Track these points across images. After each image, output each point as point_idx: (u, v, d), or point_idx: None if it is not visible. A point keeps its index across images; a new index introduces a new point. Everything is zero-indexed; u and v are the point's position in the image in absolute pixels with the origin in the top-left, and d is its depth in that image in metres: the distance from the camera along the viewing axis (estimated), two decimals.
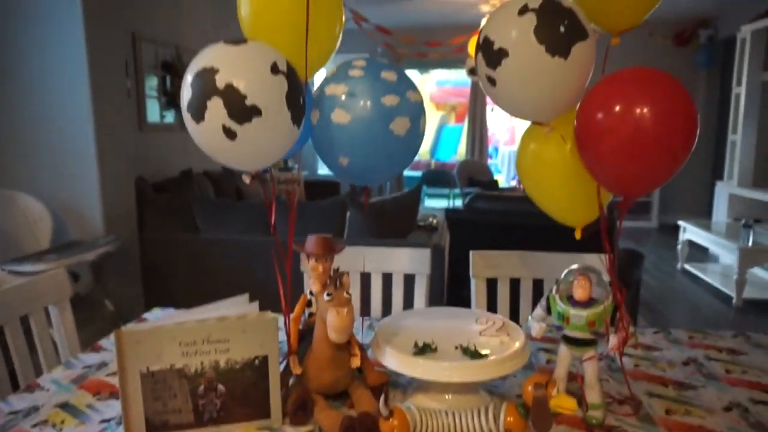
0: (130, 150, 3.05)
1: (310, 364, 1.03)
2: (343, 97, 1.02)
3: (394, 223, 2.91)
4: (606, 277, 1.03)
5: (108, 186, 2.84)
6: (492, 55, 0.97)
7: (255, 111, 0.89)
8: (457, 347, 0.99)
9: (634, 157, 0.94)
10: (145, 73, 4.21)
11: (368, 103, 1.01)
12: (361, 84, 1.03)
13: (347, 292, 0.98)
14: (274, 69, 0.92)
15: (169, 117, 4.65)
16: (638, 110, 0.92)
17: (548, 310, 1.05)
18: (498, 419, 0.89)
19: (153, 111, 4.39)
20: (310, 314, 1.07)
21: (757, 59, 4.78)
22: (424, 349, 0.98)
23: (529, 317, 1.07)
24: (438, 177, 8.09)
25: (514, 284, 1.60)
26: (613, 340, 0.99)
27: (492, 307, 1.58)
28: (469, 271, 1.60)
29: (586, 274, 1.01)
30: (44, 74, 2.72)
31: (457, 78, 11.22)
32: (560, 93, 1.00)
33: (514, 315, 1.55)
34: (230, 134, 0.90)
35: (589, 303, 1.00)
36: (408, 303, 1.63)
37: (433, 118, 11.85)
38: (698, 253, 5.17)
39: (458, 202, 8.02)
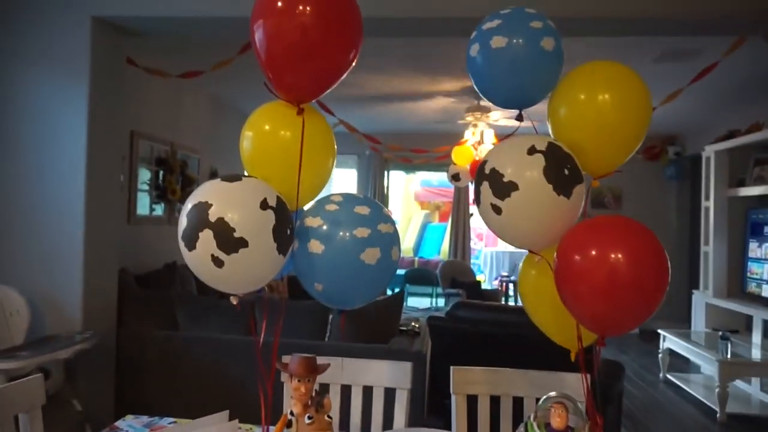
0: (116, 242, 3.08)
1: None
2: (319, 229, 1.09)
3: (377, 326, 2.91)
4: (582, 406, 1.05)
5: (91, 277, 2.82)
6: (501, 186, 1.08)
7: (242, 243, 0.96)
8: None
9: (610, 298, 1.00)
10: (139, 167, 4.34)
11: (340, 234, 1.08)
12: (335, 217, 1.10)
13: (328, 416, 0.99)
14: (264, 204, 1.01)
15: (159, 210, 4.73)
16: (613, 255, 1.00)
17: None
18: None
19: (143, 204, 4.48)
20: None
21: (722, 176, 5.09)
22: None
23: None
24: (421, 275, 8.15)
25: (495, 400, 1.60)
26: None
27: (473, 425, 1.57)
28: (450, 386, 1.60)
29: (562, 403, 1.03)
30: (41, 167, 2.79)
31: (441, 179, 11.68)
32: (559, 227, 1.10)
33: (494, 431, 1.54)
34: (218, 263, 0.96)
35: (566, 431, 1.01)
36: (388, 417, 1.61)
37: (417, 217, 12.13)
38: (679, 361, 5.16)
39: (441, 302, 8.01)
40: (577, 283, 1.04)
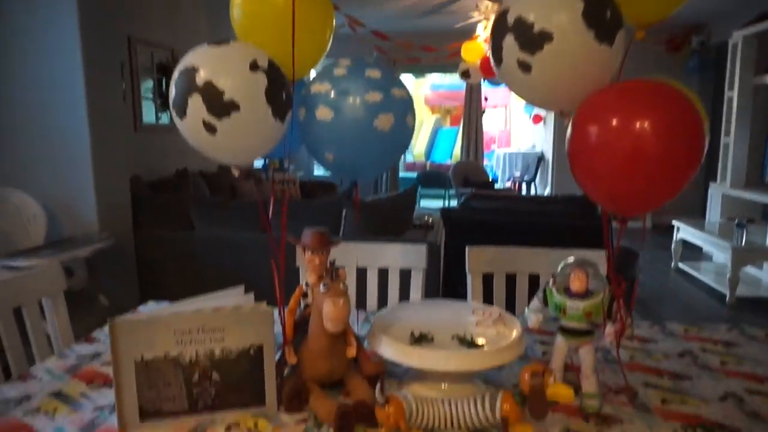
0: (125, 150, 3.05)
1: (305, 353, 1.02)
2: (327, 94, 1.02)
3: (390, 222, 2.91)
4: (603, 270, 1.03)
5: (102, 184, 2.83)
6: (531, 38, 0.90)
7: (233, 106, 0.90)
8: (453, 337, 0.99)
9: (634, 175, 0.92)
10: (141, 75, 4.20)
11: (351, 99, 1.01)
12: (345, 82, 1.03)
13: (343, 284, 0.98)
14: (254, 66, 0.94)
15: (165, 118, 4.64)
16: (639, 124, 0.89)
17: (545, 302, 1.05)
18: (494, 407, 0.89)
19: (149, 112, 4.39)
20: (306, 306, 1.07)
21: (749, 63, 4.82)
22: (420, 339, 0.98)
23: (526, 309, 1.07)
24: (433, 178, 8.10)
25: (510, 280, 1.61)
26: (609, 329, 0.99)
27: (488, 301, 1.58)
28: (465, 268, 1.60)
29: (582, 267, 1.01)
30: (40, 74, 2.71)
31: (452, 82, 11.27)
32: (598, 81, 0.95)
33: (510, 309, 1.55)
34: (210, 129, 0.91)
35: (585, 294, 1.00)
36: (404, 297, 1.63)
37: (428, 122, 11.88)
38: (692, 252, 5.19)
39: (453, 203, 8.03)
40: (594, 156, 0.95)
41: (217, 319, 0.96)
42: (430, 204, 8.42)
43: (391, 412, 0.88)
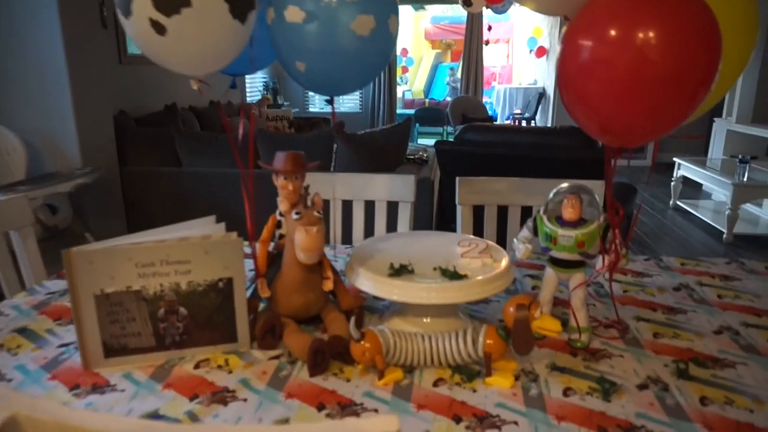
0: (109, 82, 2.91)
1: (279, 287, 0.97)
2: None
3: (383, 156, 2.82)
4: (599, 198, 0.95)
5: (84, 118, 2.71)
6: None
7: (183, 1, 0.78)
8: (435, 269, 0.93)
9: (634, 99, 0.81)
10: None
11: None
12: None
13: (318, 212, 0.90)
14: None
15: None
16: (642, 35, 0.77)
17: (535, 231, 0.98)
18: (477, 342, 0.84)
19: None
20: (281, 236, 1.00)
21: None
22: (400, 271, 0.92)
23: (515, 239, 1.01)
24: (431, 115, 7.91)
25: (502, 212, 1.54)
26: (599, 261, 0.92)
27: (478, 234, 1.52)
28: (455, 200, 1.53)
29: (576, 194, 0.94)
30: (11, 3, 2.55)
31: (453, 14, 10.79)
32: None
33: (501, 242, 1.49)
34: (159, 28, 0.80)
35: (578, 223, 0.93)
36: (391, 231, 1.57)
37: (427, 57, 11.47)
38: (692, 190, 5.12)
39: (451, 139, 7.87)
40: (588, 77, 0.82)
41: (182, 250, 0.89)
42: (427, 142, 8.27)
43: (366, 348, 0.83)
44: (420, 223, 2.56)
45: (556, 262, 0.96)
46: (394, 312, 1.00)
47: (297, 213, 0.89)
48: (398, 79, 8.55)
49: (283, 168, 0.94)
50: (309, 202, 0.93)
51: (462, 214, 1.52)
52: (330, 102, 1.03)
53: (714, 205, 4.70)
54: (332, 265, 1.00)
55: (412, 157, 3.04)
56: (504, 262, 0.96)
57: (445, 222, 2.88)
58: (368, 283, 0.91)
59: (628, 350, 0.93)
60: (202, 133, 3.26)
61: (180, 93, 4.65)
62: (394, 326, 0.97)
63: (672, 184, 4.82)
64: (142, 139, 3.24)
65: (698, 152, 6.54)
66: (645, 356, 0.92)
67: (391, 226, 1.58)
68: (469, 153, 2.53)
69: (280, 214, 0.98)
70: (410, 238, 1.11)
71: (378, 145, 2.81)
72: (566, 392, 0.82)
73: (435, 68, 11.33)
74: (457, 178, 1.51)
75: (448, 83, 9.83)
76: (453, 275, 0.90)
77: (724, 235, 3.92)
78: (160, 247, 0.88)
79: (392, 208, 1.58)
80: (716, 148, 5.24)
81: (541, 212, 0.97)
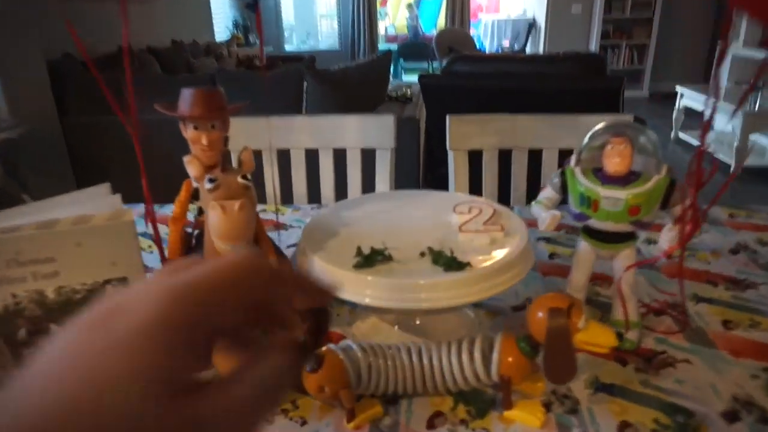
0: (45, 21, 2.49)
1: None
2: None
3: (360, 94, 2.47)
4: (654, 136, 0.66)
5: (7, 63, 2.31)
6: None
7: None
8: (423, 253, 0.64)
9: None
10: None
11: None
12: None
13: (244, 177, 0.60)
14: None
15: None
16: None
17: (563, 190, 0.69)
18: (489, 360, 0.57)
19: None
20: (200, 211, 0.70)
21: None
22: (371, 258, 0.63)
23: (533, 203, 0.72)
24: (415, 49, 7.42)
25: (505, 159, 1.24)
26: (668, 234, 0.64)
27: (476, 188, 1.23)
28: (446, 144, 1.22)
29: (625, 135, 0.64)
30: None
31: None
32: None
33: (504, 200, 1.20)
34: None
35: (628, 178, 0.64)
36: (368, 187, 1.27)
37: None
38: (692, 121, 4.83)
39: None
40: None
41: (41, 243, 0.59)
42: (413, 79, 7.81)
43: (325, 379, 0.56)
44: (405, 172, 2.26)
45: (596, 234, 0.67)
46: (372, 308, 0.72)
47: (211, 180, 0.59)
48: (378, 13, 7.96)
49: (190, 112, 0.63)
50: (236, 163, 0.62)
51: (455, 163, 1.22)
52: (255, 5, 0.71)
53: (717, 135, 4.42)
54: (277, 247, 0.71)
55: (394, 94, 2.70)
56: (521, 237, 0.68)
57: (435, 171, 2.58)
58: (326, 278, 0.62)
59: (695, 351, 0.67)
60: (157, 76, 2.87)
61: (137, 32, 4.18)
62: (368, 330, 0.69)
63: (674, 115, 4.51)
64: (90, 87, 2.84)
65: (698, 80, 6.19)
66: (721, 360, 0.65)
67: (368, 179, 1.28)
68: (458, 87, 2.19)
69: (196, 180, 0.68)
70: (388, 202, 0.81)
71: (354, 83, 2.45)
72: (623, 431, 0.55)
73: (418, 1, 10.65)
74: (448, 117, 1.20)
75: (408, 21, 9.22)
76: (449, 263, 0.61)
77: (732, 168, 3.67)
78: (5, 241, 0.58)
79: (369, 157, 1.27)
80: (720, 75, 4.90)
81: (572, 163, 0.68)
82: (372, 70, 2.56)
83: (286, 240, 1.03)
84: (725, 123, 4.54)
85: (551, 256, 0.93)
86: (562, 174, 0.69)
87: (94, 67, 0.66)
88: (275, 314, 0.27)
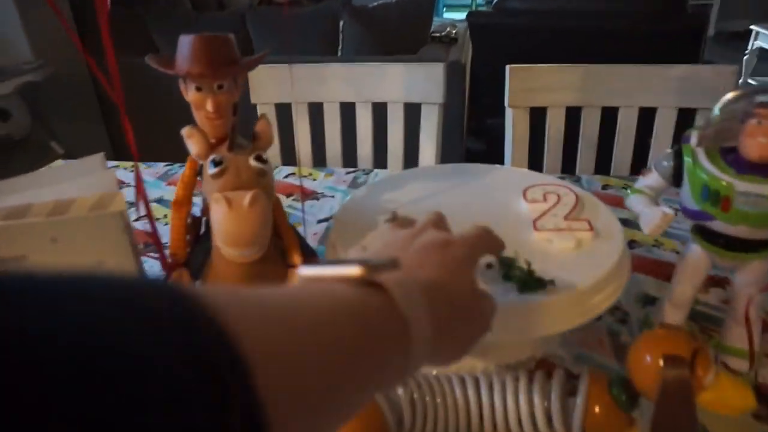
0: None
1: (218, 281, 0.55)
2: None
3: (401, 34, 2.25)
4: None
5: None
6: None
7: None
8: (490, 264, 0.49)
9: None
10: None
11: None
12: None
13: (259, 158, 0.45)
14: None
15: None
16: None
17: (676, 177, 0.52)
18: (570, 405, 0.43)
19: None
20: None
21: None
22: None
23: (630, 192, 0.55)
24: None
25: (572, 118, 1.05)
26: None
27: (538, 159, 1.05)
28: (504, 99, 1.04)
29: None
30: None
31: None
32: None
33: (569, 169, 1.04)
34: None
35: None
36: (411, 149, 1.11)
37: None
38: (763, 65, 4.36)
39: None
40: None
41: (10, 238, 0.47)
42: (458, 16, 7.34)
43: (357, 429, 0.43)
44: (449, 123, 2.07)
45: (717, 239, 0.51)
46: None
47: (215, 163, 0.45)
48: None
49: (188, 68, 0.48)
50: (237, 140, 0.48)
51: (513, 123, 1.04)
52: None
53: None
54: (303, 242, 0.57)
55: (438, 34, 2.46)
56: (615, 238, 0.52)
57: (481, 120, 2.37)
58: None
59: None
60: (183, 12, 2.70)
61: None
62: None
63: (745, 58, 4.08)
64: (118, 23, 2.71)
65: (763, 18, 5.57)
66: None
67: (412, 138, 1.12)
68: (511, 27, 1.95)
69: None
70: (437, 181, 0.65)
71: (395, 21, 2.23)
72: None
73: None
74: (508, 68, 1.02)
75: None
76: (526, 281, 0.46)
77: None
78: None
79: (413, 111, 1.11)
80: None
81: (692, 141, 0.51)
82: (414, 6, 2.33)
83: (317, 213, 0.90)
84: None
85: (631, 244, 0.77)
86: (677, 155, 0.52)
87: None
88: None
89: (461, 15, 7.28)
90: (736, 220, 0.47)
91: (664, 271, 0.71)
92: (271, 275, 0.53)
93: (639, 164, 1.06)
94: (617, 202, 0.88)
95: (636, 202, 0.54)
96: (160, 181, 1.05)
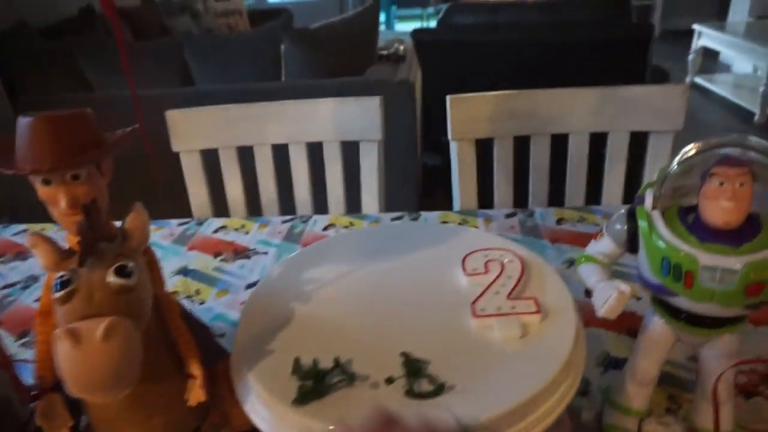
0: None
1: (93, 412, 0.45)
2: None
3: (346, 55, 2.18)
4: None
5: None
6: None
7: None
8: (390, 379, 0.40)
9: None
10: None
11: None
12: None
13: (119, 270, 0.36)
14: None
15: None
16: None
17: (631, 242, 0.45)
18: None
19: None
20: None
21: None
22: (320, 381, 0.39)
23: (581, 259, 0.48)
24: None
25: (521, 147, 0.98)
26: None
27: (488, 191, 0.99)
28: (447, 131, 0.97)
29: (743, 165, 0.39)
30: None
31: None
32: None
33: (521, 200, 0.97)
34: None
35: (742, 232, 0.40)
36: (352, 190, 1.03)
37: None
38: (707, 62, 4.47)
39: (434, 24, 6.96)
40: None
41: None
42: (406, 28, 7.33)
43: None
44: (400, 147, 2.00)
45: (681, 314, 0.44)
46: None
47: (62, 280, 0.35)
48: None
49: (31, 163, 0.38)
50: (96, 243, 0.38)
51: (459, 156, 0.97)
52: None
53: (735, 79, 4.10)
54: (208, 341, 0.48)
55: (385, 52, 2.40)
56: (567, 321, 0.44)
57: (435, 131, 2.31)
58: (257, 413, 0.40)
59: None
60: (111, 43, 2.56)
61: None
62: None
63: (690, 57, 4.16)
64: (47, 59, 2.55)
65: (711, 13, 5.74)
66: None
67: (352, 179, 1.03)
68: (458, 43, 1.90)
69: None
70: (364, 250, 0.57)
71: (339, 41, 2.15)
72: None
73: None
74: (448, 98, 0.94)
75: None
76: (416, 391, 0.37)
77: (756, 117, 3.38)
78: None
79: (352, 149, 1.02)
80: (738, 9, 4.52)
81: (647, 203, 0.44)
82: (359, 25, 2.25)
83: (247, 276, 0.81)
84: (743, 65, 4.21)
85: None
86: (631, 216, 0.45)
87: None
88: None
89: (411, 25, 7.28)
90: (701, 298, 0.40)
91: (625, 323, 0.65)
92: (164, 394, 0.44)
93: (594, 192, 1.00)
94: (572, 239, 0.82)
95: (587, 274, 0.46)
96: (179, 245, 0.91)
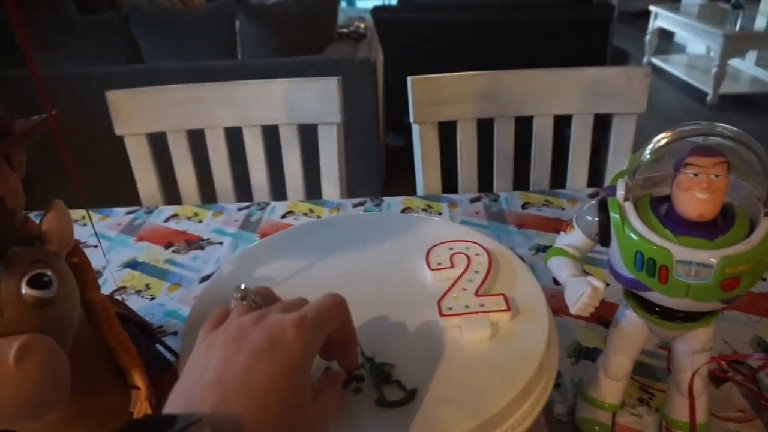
0: None
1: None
2: None
3: (304, 33, 2.10)
4: (760, 149, 0.39)
5: None
6: None
7: None
8: (358, 389, 0.37)
9: None
10: None
11: None
12: None
13: (33, 280, 0.31)
14: None
15: None
16: None
17: (602, 235, 0.43)
18: None
19: None
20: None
21: None
22: None
23: (550, 253, 0.46)
24: None
25: (485, 130, 0.96)
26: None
27: (452, 176, 0.96)
28: (409, 112, 0.93)
29: (719, 155, 0.37)
30: None
31: None
32: None
33: (486, 184, 0.95)
34: None
35: (716, 225, 0.38)
36: (311, 174, 0.99)
37: None
38: (663, 43, 4.57)
39: (395, 2, 6.83)
40: None
41: None
42: (367, 4, 7.17)
43: None
44: (361, 131, 1.96)
45: (655, 309, 0.42)
46: None
47: None
48: None
49: None
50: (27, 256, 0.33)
51: (422, 141, 0.93)
52: None
53: (689, 59, 4.20)
54: (151, 350, 0.44)
55: (345, 30, 2.33)
56: (539, 321, 0.42)
57: (397, 110, 2.27)
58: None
59: None
60: (68, 18, 2.40)
61: None
62: None
63: (647, 38, 4.23)
64: None
65: None
66: None
67: (311, 163, 0.99)
68: (418, 21, 1.85)
69: None
70: (327, 243, 0.53)
71: (296, 19, 2.07)
72: None
73: None
74: (409, 79, 0.91)
75: None
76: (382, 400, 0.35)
77: (708, 97, 3.47)
78: None
79: (310, 132, 0.97)
80: None
81: (619, 194, 0.41)
82: (318, 1, 2.18)
83: (201, 268, 0.76)
84: (697, 47, 4.32)
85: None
86: (602, 207, 0.42)
87: None
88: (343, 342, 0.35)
89: (375, 2, 7.09)
90: (676, 293, 0.39)
91: (595, 311, 0.63)
92: (105, 409, 0.40)
93: (559, 176, 0.99)
94: (538, 225, 0.81)
95: (558, 268, 0.44)
96: (127, 236, 0.85)
